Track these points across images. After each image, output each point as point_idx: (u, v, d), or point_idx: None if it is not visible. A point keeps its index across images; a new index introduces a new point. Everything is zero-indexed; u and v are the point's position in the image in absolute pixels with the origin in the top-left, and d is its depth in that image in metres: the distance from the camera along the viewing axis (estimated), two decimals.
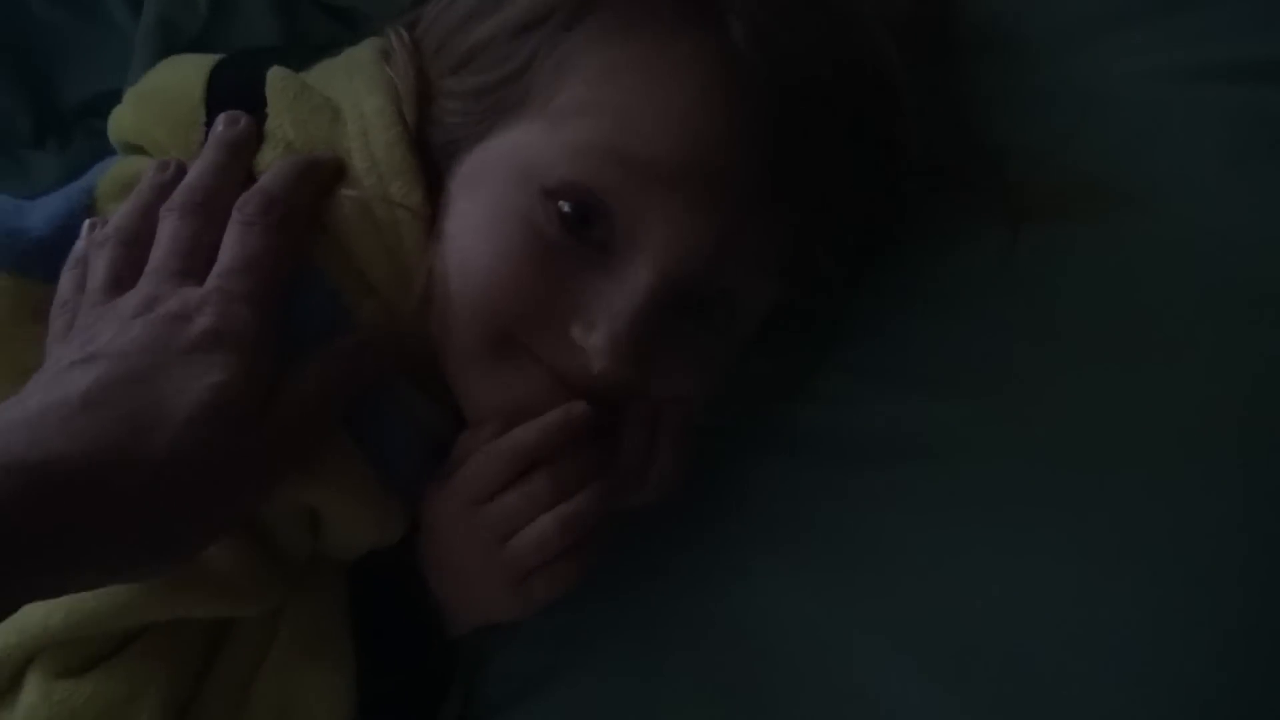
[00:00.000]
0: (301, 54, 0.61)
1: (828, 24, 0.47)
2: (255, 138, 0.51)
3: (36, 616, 0.45)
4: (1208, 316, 0.51)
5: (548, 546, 0.48)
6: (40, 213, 0.52)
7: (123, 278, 0.47)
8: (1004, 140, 0.55)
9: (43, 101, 0.67)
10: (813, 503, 0.53)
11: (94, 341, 0.44)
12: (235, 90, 0.53)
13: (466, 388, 0.50)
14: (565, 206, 0.47)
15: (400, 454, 0.50)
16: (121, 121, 0.56)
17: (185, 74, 0.54)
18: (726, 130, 0.46)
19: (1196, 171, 0.53)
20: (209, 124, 0.52)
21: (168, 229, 0.48)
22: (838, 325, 0.55)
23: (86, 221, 0.50)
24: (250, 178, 0.50)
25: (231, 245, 0.47)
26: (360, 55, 0.54)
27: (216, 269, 0.46)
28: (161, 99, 0.54)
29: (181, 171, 0.50)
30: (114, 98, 0.65)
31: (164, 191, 0.49)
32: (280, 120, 0.51)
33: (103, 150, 0.65)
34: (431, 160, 0.50)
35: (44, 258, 0.50)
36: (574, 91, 0.47)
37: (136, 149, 0.55)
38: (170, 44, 0.63)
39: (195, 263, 0.47)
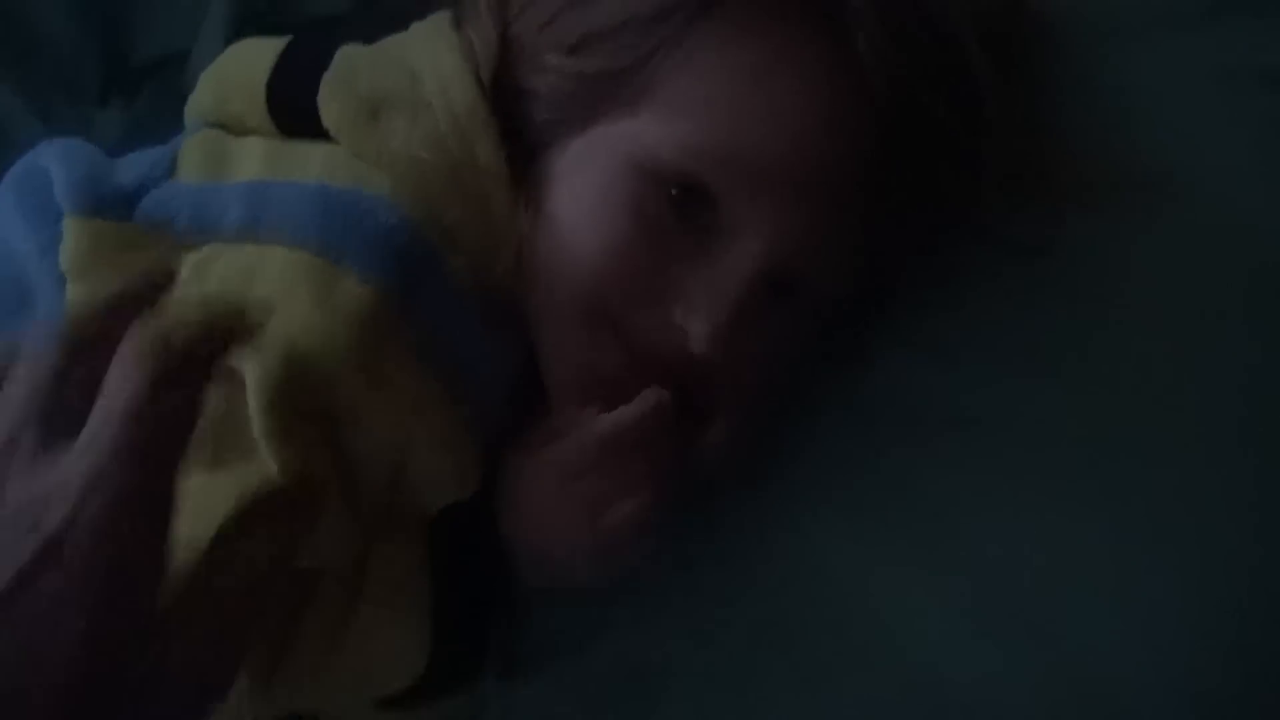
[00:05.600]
0: (375, 22, 0.64)
1: (938, 46, 0.50)
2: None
3: None
4: (1244, 304, 0.54)
5: (642, 521, 0.50)
6: (126, 171, 0.53)
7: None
8: (1054, 129, 0.57)
9: (112, 57, 0.67)
10: (862, 464, 0.55)
11: None
12: (301, 69, 0.54)
13: (553, 356, 0.52)
14: (674, 191, 0.49)
15: (489, 404, 0.51)
16: (199, 104, 0.57)
17: (255, 54, 0.56)
18: (838, 140, 0.49)
19: (1232, 169, 0.56)
20: (270, 104, 0.53)
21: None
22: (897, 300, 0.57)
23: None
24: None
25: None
26: (432, 24, 0.56)
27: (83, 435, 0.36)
28: (233, 77, 0.56)
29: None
30: (183, 59, 0.66)
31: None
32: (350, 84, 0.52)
33: (167, 111, 0.65)
34: (524, 129, 0.52)
35: (119, 203, 0.51)
36: (693, 92, 0.49)
37: (218, 128, 0.56)
38: (247, 5, 0.64)
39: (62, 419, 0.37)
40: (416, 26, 0.57)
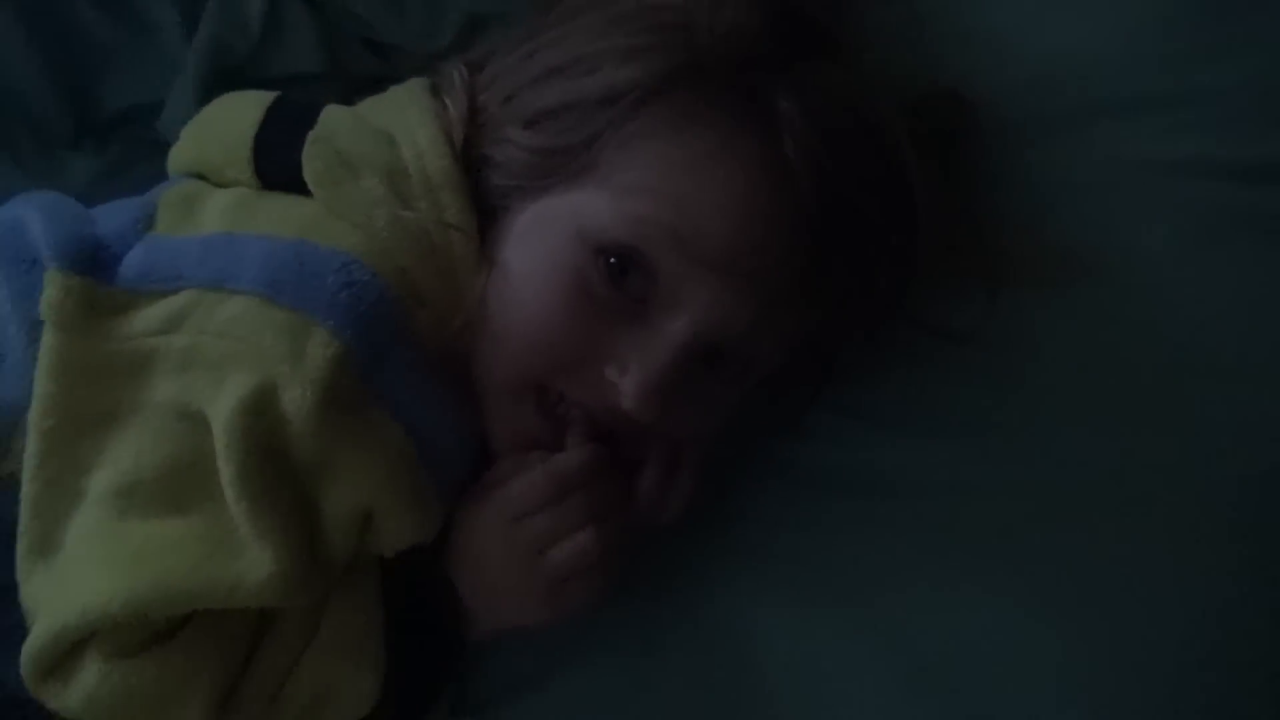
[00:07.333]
0: (343, 85, 0.66)
1: (867, 148, 0.53)
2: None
3: (98, 599, 0.46)
4: (1160, 382, 0.58)
5: (586, 558, 0.53)
6: (106, 223, 0.55)
7: None
8: (991, 211, 0.61)
9: (83, 105, 0.69)
10: (797, 527, 0.59)
11: None
12: (287, 123, 0.56)
13: (490, 416, 0.56)
14: (612, 261, 0.52)
15: (450, 456, 0.54)
16: (181, 155, 0.60)
17: (241, 108, 0.58)
18: (769, 230, 0.52)
19: (1156, 252, 0.60)
20: (256, 156, 0.55)
21: None
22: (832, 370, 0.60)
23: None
24: None
25: None
26: (410, 90, 0.59)
27: None
28: (218, 129, 0.58)
29: None
30: (153, 109, 0.68)
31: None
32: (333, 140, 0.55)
33: (138, 156, 0.68)
34: (482, 192, 0.55)
35: (101, 259, 0.53)
36: (637, 173, 0.52)
37: (196, 177, 0.59)
38: (221, 62, 0.66)
39: None
40: (393, 90, 0.60)
